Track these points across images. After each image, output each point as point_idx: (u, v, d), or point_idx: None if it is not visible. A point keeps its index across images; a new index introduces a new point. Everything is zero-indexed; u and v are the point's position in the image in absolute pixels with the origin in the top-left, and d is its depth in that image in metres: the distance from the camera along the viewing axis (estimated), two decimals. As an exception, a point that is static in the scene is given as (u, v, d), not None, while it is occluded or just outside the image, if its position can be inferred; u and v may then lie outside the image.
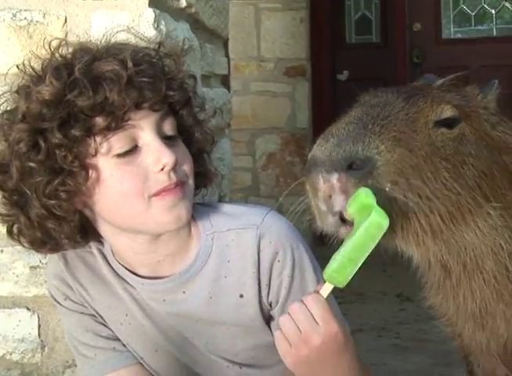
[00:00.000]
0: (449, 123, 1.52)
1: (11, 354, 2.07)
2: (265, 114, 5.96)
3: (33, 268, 2.03)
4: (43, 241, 1.58)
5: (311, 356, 1.39)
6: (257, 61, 6.05)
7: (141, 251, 1.61)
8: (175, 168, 1.52)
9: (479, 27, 6.48)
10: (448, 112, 1.52)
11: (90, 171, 1.49)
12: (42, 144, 1.47)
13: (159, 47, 1.62)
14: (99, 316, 1.70)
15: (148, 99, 1.49)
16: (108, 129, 1.47)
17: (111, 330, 1.70)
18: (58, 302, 1.73)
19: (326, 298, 1.41)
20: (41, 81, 1.50)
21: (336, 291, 1.44)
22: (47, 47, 1.58)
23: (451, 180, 1.47)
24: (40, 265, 2.03)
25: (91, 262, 1.69)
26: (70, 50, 1.57)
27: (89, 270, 1.69)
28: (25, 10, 1.99)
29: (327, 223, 1.45)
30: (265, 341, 1.66)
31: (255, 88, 6.03)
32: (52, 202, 1.49)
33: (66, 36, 1.95)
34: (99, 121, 1.46)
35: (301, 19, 6.09)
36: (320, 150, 1.40)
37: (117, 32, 1.64)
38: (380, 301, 4.71)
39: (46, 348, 2.07)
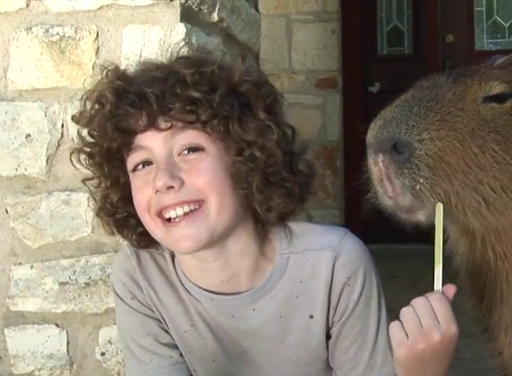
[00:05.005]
0: (500, 98, 1.54)
1: (39, 370, 2.06)
2: (296, 126, 5.91)
3: (62, 284, 2.03)
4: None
5: (426, 351, 1.41)
6: (288, 73, 6.01)
7: (203, 268, 1.60)
8: (176, 189, 1.49)
9: (513, 39, 6.42)
10: (497, 88, 1.54)
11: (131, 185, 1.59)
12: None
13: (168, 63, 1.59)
14: (164, 321, 1.65)
15: (139, 124, 1.51)
16: (125, 151, 1.56)
17: (172, 338, 1.66)
18: (121, 299, 1.67)
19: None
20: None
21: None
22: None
23: (501, 152, 1.48)
24: (69, 281, 2.02)
25: (162, 264, 1.66)
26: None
27: (160, 273, 1.66)
28: (57, 25, 2.00)
29: (386, 203, 1.53)
30: (321, 366, 1.66)
31: (286, 100, 5.97)
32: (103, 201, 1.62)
33: (97, 51, 1.95)
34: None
35: (332, 30, 6.06)
36: (370, 133, 1.51)
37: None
38: (412, 317, 4.64)
39: (75, 366, 2.06)
